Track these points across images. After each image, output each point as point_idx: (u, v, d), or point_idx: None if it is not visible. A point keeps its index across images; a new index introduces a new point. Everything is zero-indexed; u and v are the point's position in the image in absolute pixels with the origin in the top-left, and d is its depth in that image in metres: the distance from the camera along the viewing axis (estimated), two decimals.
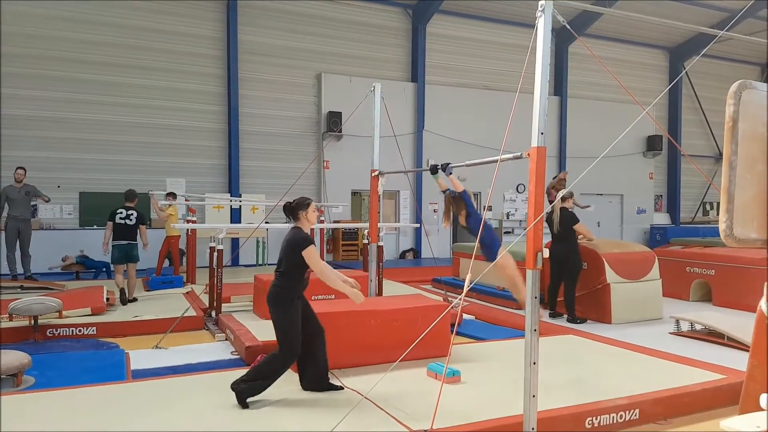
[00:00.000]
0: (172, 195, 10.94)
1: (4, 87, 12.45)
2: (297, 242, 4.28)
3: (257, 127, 14.64)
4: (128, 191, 8.83)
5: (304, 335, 4.31)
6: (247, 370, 4.35)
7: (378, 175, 6.91)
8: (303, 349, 4.34)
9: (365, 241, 8.06)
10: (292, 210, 4.45)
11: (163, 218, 10.73)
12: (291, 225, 4.48)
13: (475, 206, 5.45)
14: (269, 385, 4.21)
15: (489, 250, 5.41)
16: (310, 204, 4.47)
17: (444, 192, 5.73)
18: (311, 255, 4.25)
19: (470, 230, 5.44)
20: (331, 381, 4.54)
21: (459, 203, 5.38)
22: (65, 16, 12.91)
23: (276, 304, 4.28)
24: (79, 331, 6.80)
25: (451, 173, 5.37)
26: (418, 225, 14.68)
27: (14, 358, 4.84)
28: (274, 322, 4.30)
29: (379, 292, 7.70)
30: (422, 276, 11.48)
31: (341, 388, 4.48)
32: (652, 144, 19.35)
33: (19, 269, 10.24)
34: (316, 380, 4.45)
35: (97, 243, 12.42)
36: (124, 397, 4.35)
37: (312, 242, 4.32)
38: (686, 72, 19.61)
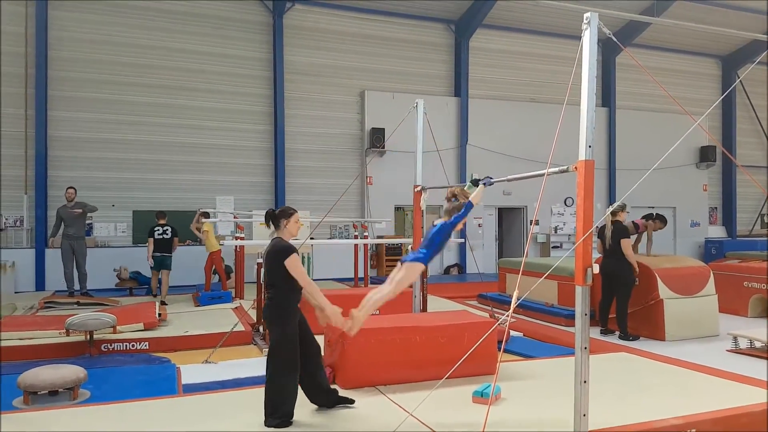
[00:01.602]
0: (204, 214, 11.21)
1: (58, 110, 13.05)
2: (279, 252, 4.13)
3: (302, 144, 14.88)
4: (159, 211, 10.81)
5: (302, 354, 4.17)
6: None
7: (421, 191, 6.90)
8: (302, 370, 4.19)
9: None
10: (275, 218, 4.30)
11: (202, 236, 11.08)
12: (274, 237, 4.32)
13: (460, 226, 4.99)
14: (293, 404, 4.10)
15: (428, 250, 4.79)
16: (293, 214, 4.33)
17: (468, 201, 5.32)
18: (294, 264, 4.09)
19: (433, 228, 4.93)
20: (342, 396, 4.44)
21: (458, 209, 4.99)
22: (113, 41, 13.44)
23: (271, 319, 4.17)
24: (133, 345, 6.97)
25: (487, 185, 5.16)
26: (462, 240, 14.57)
27: (71, 372, 4.99)
28: (271, 338, 4.20)
29: (424, 308, 7.65)
30: (467, 292, 11.37)
31: (353, 401, 4.40)
32: (706, 155, 18.74)
33: (77, 286, 10.62)
34: (320, 394, 4.36)
35: None
36: (175, 411, 4.44)
37: (294, 251, 4.16)
38: (740, 81, 18.99)
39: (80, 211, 10.59)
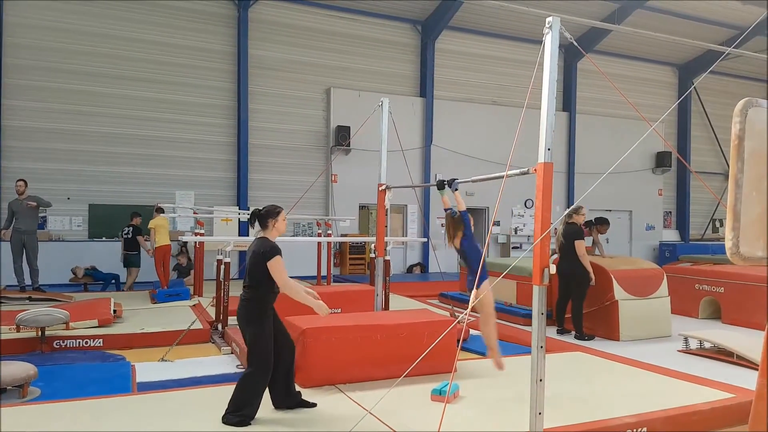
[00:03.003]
0: (158, 209, 11.15)
1: (13, 99, 12.63)
2: (264, 253, 4.09)
3: (266, 140, 14.73)
4: (133, 212, 11.67)
5: (276, 351, 4.14)
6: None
7: (385, 189, 6.92)
8: (275, 367, 4.15)
9: (372, 255, 8.06)
10: (261, 218, 4.25)
11: (150, 241, 11.10)
12: (259, 235, 4.29)
13: (473, 230, 5.33)
14: (257, 406, 4.05)
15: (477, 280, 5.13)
16: (280, 212, 4.29)
17: (446, 210, 5.61)
18: (276, 266, 4.07)
19: (462, 253, 5.25)
20: (303, 398, 4.38)
21: (458, 224, 5.23)
22: (73, 29, 13.08)
23: (247, 318, 4.12)
24: (86, 342, 6.80)
25: (457, 189, 5.33)
26: (425, 239, 14.67)
27: (20, 369, 4.85)
28: (244, 337, 4.15)
29: (386, 307, 7.68)
30: (429, 291, 11.44)
31: (314, 405, 4.35)
32: (661, 160, 19.29)
33: (27, 281, 10.29)
34: (287, 397, 4.31)
35: (106, 254, 12.65)
36: (129, 409, 4.35)
37: (278, 252, 4.13)
38: (695, 88, 19.60)
39: (35, 204, 10.24)
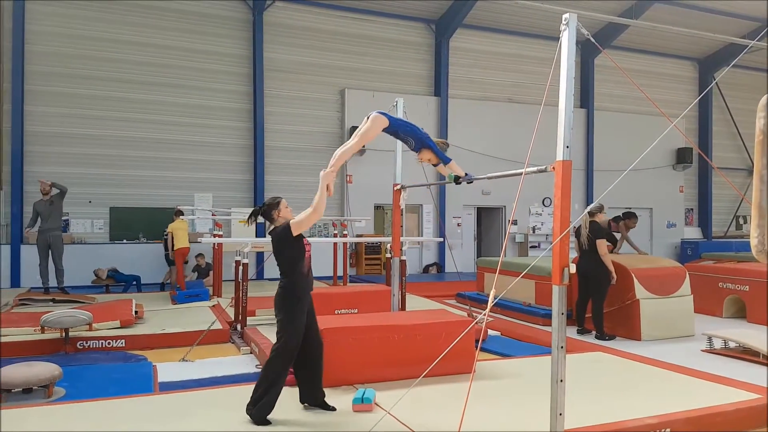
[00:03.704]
0: (178, 213, 11.38)
1: (35, 105, 12.83)
2: (281, 235, 4.20)
3: (282, 142, 14.81)
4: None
5: (303, 345, 4.20)
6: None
7: (400, 189, 6.91)
8: (301, 361, 4.24)
9: (388, 255, 8.05)
10: (265, 213, 4.35)
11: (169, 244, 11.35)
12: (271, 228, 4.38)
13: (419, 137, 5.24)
14: (278, 394, 4.09)
15: (395, 118, 5.07)
16: (280, 201, 4.37)
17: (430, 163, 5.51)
18: (298, 219, 4.19)
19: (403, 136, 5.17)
20: (326, 401, 4.38)
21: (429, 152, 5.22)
22: (91, 35, 13.27)
23: (279, 306, 4.19)
24: (109, 343, 6.90)
25: (471, 181, 5.32)
26: (441, 239, 14.63)
27: (46, 369, 4.92)
28: (278, 322, 4.20)
29: (402, 307, 7.67)
30: (446, 291, 11.41)
31: (334, 409, 4.34)
32: (682, 157, 19.02)
33: (52, 282, 10.42)
34: (312, 392, 4.35)
35: (127, 256, 12.82)
36: (151, 409, 4.39)
37: (287, 224, 4.22)
38: (716, 83, 19.30)
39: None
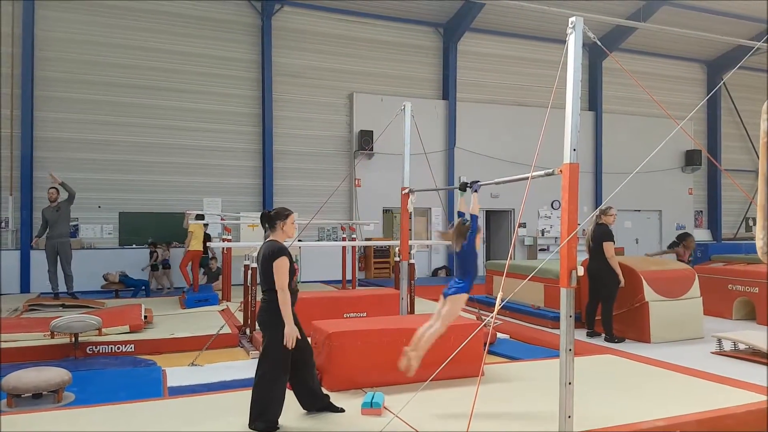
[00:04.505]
0: (198, 216, 11.47)
1: (45, 111, 12.96)
2: (272, 253, 4.07)
3: (291, 146, 14.86)
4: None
5: (293, 358, 4.11)
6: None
7: (408, 193, 6.92)
8: (292, 371, 4.15)
9: (397, 259, 8.06)
10: (270, 219, 4.22)
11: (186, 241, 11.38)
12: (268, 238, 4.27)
13: (481, 232, 5.13)
14: (278, 409, 4.04)
15: (466, 279, 4.84)
16: (289, 215, 4.26)
17: (459, 215, 5.28)
18: (280, 266, 4.01)
19: (461, 254, 4.89)
20: (332, 403, 4.38)
21: (465, 232, 4.89)
22: (100, 41, 13.36)
23: (265, 322, 4.11)
24: (118, 348, 6.93)
25: (477, 191, 5.14)
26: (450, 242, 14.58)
27: (55, 374, 4.95)
28: (264, 340, 4.13)
29: (411, 310, 7.67)
30: None
31: (342, 410, 4.34)
32: (691, 159, 18.93)
33: (62, 287, 10.49)
34: (312, 398, 4.32)
35: (136, 261, 12.90)
36: (161, 414, 4.42)
37: (286, 254, 4.09)
38: (724, 85, 19.19)
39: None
